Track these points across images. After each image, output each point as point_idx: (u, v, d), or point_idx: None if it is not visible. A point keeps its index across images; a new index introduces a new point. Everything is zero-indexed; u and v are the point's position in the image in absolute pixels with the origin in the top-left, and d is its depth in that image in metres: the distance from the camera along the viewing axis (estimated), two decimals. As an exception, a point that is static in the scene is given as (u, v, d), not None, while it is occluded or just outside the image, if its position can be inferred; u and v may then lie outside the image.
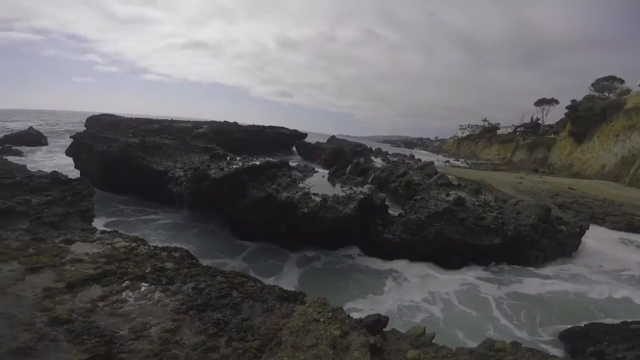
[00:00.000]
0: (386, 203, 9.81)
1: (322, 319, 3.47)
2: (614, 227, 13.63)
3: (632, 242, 12.11)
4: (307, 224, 7.95)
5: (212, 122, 32.20)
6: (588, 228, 10.34)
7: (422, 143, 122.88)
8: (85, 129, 21.07)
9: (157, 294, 3.58)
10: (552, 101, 65.73)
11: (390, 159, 25.43)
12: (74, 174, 10.48)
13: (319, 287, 6.56)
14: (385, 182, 15.82)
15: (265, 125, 34.16)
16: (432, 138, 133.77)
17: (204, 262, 4.88)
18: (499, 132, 74.86)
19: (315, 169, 12.96)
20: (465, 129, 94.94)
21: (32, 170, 7.24)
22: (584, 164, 35.84)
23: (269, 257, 8.02)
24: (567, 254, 9.48)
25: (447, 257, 8.21)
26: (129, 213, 10.15)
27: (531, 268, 8.53)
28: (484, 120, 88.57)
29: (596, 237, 11.18)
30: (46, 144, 24.49)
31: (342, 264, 8.13)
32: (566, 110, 44.14)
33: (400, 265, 8.03)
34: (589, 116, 37.54)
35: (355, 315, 3.91)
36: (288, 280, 7.02)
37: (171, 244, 6.35)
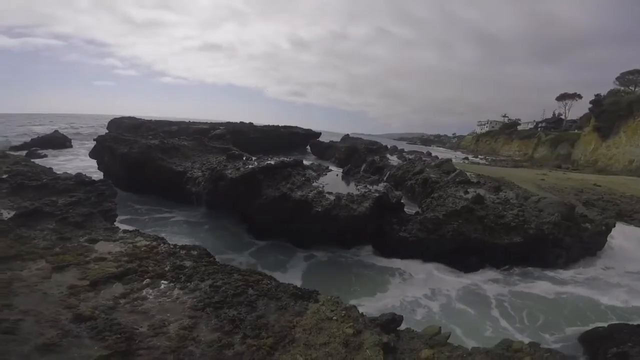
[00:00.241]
0: (402, 201, 9.71)
1: (335, 317, 3.49)
2: (643, 225, 12.98)
3: (663, 241, 11.50)
4: (321, 222, 7.96)
5: (229, 123, 32.63)
6: (614, 226, 9.89)
7: (439, 140, 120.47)
8: (107, 131, 21.79)
9: (175, 292, 3.69)
10: (575, 96, 63.60)
11: (407, 156, 25.07)
12: (97, 175, 10.86)
13: (327, 285, 6.53)
14: (401, 180, 15.65)
15: (280, 125, 34.45)
16: (450, 135, 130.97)
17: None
18: (519, 127, 72.74)
19: (329, 168, 12.97)
20: (484, 125, 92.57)
21: (57, 173, 7.58)
22: (610, 160, 34.53)
23: (279, 254, 8.10)
24: (591, 253, 9.12)
25: (464, 257, 8.03)
26: (142, 212, 10.48)
27: (551, 273, 8.14)
28: (504, 116, 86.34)
29: (623, 236, 10.69)
30: (70, 146, 25.51)
31: (353, 262, 8.08)
32: (590, 105, 42.51)
33: (413, 265, 7.89)
34: (615, 110, 36.04)
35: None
36: (296, 276, 7.05)
37: (182, 241, 6.47)
